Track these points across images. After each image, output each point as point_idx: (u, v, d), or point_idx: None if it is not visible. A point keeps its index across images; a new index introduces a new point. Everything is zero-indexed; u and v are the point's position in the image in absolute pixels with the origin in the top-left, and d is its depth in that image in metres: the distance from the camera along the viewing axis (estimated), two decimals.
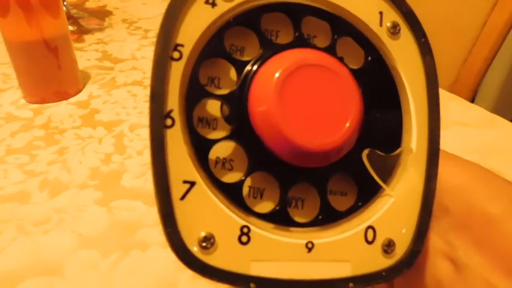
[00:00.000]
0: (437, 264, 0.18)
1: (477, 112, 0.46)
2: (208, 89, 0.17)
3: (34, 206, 0.33)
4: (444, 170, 0.18)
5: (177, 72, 0.16)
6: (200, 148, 0.16)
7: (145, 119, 0.44)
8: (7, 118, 0.45)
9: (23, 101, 0.49)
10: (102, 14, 0.80)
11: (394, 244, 0.18)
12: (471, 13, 0.58)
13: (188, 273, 0.28)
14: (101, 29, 0.72)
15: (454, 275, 0.17)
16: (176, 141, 0.16)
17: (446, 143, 0.20)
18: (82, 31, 0.71)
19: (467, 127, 0.43)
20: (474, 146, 0.40)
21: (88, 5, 0.85)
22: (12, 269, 0.28)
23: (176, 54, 0.16)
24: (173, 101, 0.16)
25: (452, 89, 0.64)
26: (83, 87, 0.52)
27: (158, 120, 0.15)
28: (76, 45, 0.65)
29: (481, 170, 0.18)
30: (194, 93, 0.16)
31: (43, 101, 0.48)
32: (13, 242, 0.30)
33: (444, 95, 0.50)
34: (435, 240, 0.18)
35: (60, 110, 0.47)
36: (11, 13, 0.43)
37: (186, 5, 0.16)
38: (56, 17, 0.46)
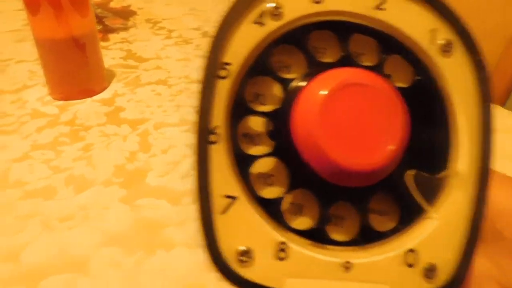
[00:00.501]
0: None
1: (508, 117, 0.44)
2: (252, 106, 0.17)
3: (59, 202, 0.33)
4: (499, 193, 0.17)
5: (223, 90, 0.16)
6: (242, 163, 0.17)
7: (170, 118, 0.44)
8: (33, 114, 0.46)
9: (49, 97, 0.49)
10: (126, 14, 0.81)
11: (436, 269, 0.17)
12: (501, 16, 0.57)
13: (213, 276, 0.27)
14: (125, 29, 0.72)
15: None
16: (220, 157, 0.16)
17: None
18: (107, 30, 0.71)
19: (500, 134, 0.41)
20: (503, 152, 0.38)
21: (112, 5, 0.86)
22: (36, 265, 0.27)
23: (223, 73, 0.16)
24: (219, 118, 0.16)
25: None
26: (108, 85, 0.52)
27: (203, 136, 0.16)
28: (101, 44, 0.65)
29: None
30: (239, 110, 0.17)
31: (68, 98, 0.48)
32: (38, 237, 0.30)
33: None
34: (486, 266, 0.17)
35: (85, 107, 0.47)
36: (41, 11, 0.44)
37: (235, 25, 0.16)
38: (85, 15, 0.46)
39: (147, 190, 0.34)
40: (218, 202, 0.16)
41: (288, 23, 0.17)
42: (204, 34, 0.68)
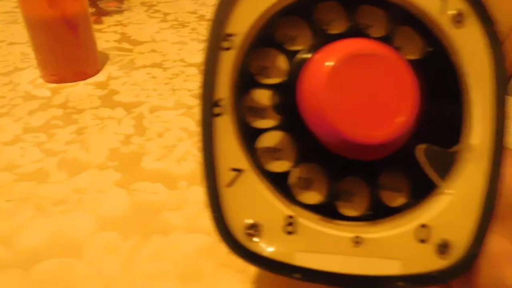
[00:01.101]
0: (504, 269, 0.17)
1: None
2: (258, 79, 0.17)
3: (52, 185, 0.32)
4: None
5: (227, 61, 0.16)
6: (248, 136, 0.16)
7: (166, 102, 0.43)
8: (25, 96, 0.45)
9: (41, 80, 0.48)
10: None
11: (449, 245, 0.17)
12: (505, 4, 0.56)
13: (213, 260, 0.26)
14: (119, 12, 0.71)
15: None
16: (225, 129, 0.16)
17: None
18: (101, 13, 0.69)
19: None
20: None
21: None
22: (30, 249, 0.27)
23: (226, 44, 0.16)
24: (223, 90, 0.16)
25: None
26: (102, 68, 0.51)
27: (208, 108, 0.16)
28: (95, 26, 0.63)
29: None
30: (244, 82, 0.16)
31: (61, 80, 0.47)
32: (32, 221, 0.29)
33: None
34: (502, 244, 0.17)
35: (78, 90, 0.46)
36: None
37: None
38: None
39: (143, 174, 0.33)
40: (224, 175, 0.16)
41: None
42: (201, 18, 0.66)
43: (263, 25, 0.17)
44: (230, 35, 0.16)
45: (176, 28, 0.63)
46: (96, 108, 0.42)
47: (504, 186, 0.17)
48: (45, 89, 0.46)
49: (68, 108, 0.42)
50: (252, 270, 0.25)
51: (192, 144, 0.37)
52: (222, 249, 0.26)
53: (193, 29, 0.62)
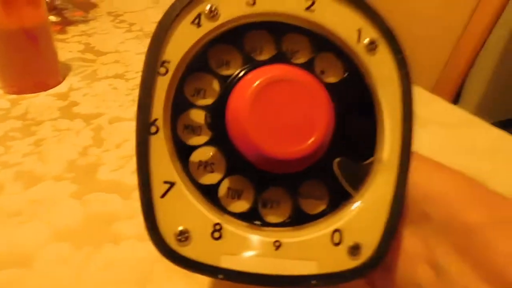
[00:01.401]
0: (417, 268, 0.18)
1: (456, 113, 0.47)
2: (193, 100, 0.19)
3: (7, 197, 0.33)
4: (427, 177, 0.19)
5: (162, 85, 0.18)
6: (182, 152, 0.18)
7: (125, 113, 0.44)
8: None
9: (0, 91, 0.48)
10: (87, 6, 0.79)
11: (360, 247, 0.18)
12: (453, 16, 0.59)
13: (161, 266, 0.27)
14: (85, 21, 0.71)
15: (434, 279, 0.18)
16: (159, 146, 0.18)
17: (422, 141, 0.20)
18: (65, 23, 0.69)
19: (444, 127, 0.43)
20: (450, 146, 0.40)
21: None
22: None
23: (162, 70, 0.17)
24: (158, 111, 0.18)
25: (434, 90, 0.64)
26: (63, 79, 0.51)
27: (144, 128, 0.17)
28: (59, 36, 0.64)
29: (464, 179, 0.18)
30: (179, 103, 0.18)
31: (21, 91, 0.47)
32: None
33: (426, 96, 0.51)
34: (415, 245, 0.19)
35: (38, 102, 0.46)
36: None
37: (173, 25, 0.18)
38: (36, 6, 0.45)
39: (98, 185, 0.34)
40: (157, 187, 0.17)
41: (224, 23, 0.18)
42: None
43: (197, 52, 0.18)
44: (166, 61, 0.17)
45: (141, 38, 0.64)
46: (55, 119, 0.43)
47: (417, 193, 0.19)
48: (4, 100, 0.46)
49: (27, 120, 0.43)
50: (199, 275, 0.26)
51: None
52: None
53: None
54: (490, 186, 0.18)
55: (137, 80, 0.51)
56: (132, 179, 0.35)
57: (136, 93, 0.50)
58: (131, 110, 0.44)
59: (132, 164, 0.36)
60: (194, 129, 0.19)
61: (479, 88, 0.61)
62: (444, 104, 0.49)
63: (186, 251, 0.17)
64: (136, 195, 0.33)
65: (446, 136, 0.42)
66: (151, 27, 0.68)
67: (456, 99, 0.66)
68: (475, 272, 0.16)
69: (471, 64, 0.59)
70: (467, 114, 0.46)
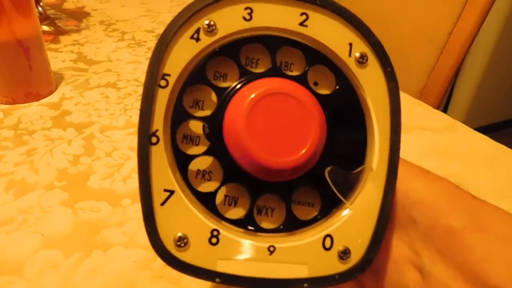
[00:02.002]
0: (404, 271, 0.19)
1: (439, 118, 0.48)
2: (191, 111, 0.19)
3: None
4: (414, 184, 0.19)
5: (163, 97, 0.18)
6: (181, 161, 0.19)
7: (116, 122, 0.45)
8: None
9: None
10: (80, 15, 0.80)
11: (349, 251, 0.19)
12: (438, 22, 0.60)
13: (147, 274, 0.28)
14: (78, 31, 0.72)
15: (420, 282, 0.18)
16: (159, 156, 0.18)
17: (407, 146, 0.21)
18: (58, 32, 0.70)
19: (428, 132, 0.44)
20: (433, 150, 0.41)
21: (66, 6, 0.85)
22: None
23: (163, 82, 0.18)
24: (158, 122, 0.18)
25: (421, 96, 0.66)
26: (56, 88, 0.52)
27: (145, 138, 0.18)
28: (51, 46, 0.64)
29: (448, 186, 0.19)
30: (179, 115, 0.19)
31: (13, 102, 0.48)
32: None
33: (411, 101, 0.52)
34: (403, 249, 0.19)
35: (30, 111, 0.47)
36: None
37: (173, 40, 0.18)
38: (28, 17, 0.46)
39: (89, 193, 0.35)
40: (158, 195, 0.18)
41: (222, 38, 0.19)
42: (157, 37, 0.68)
43: (196, 65, 0.19)
44: (166, 74, 0.18)
45: (133, 47, 0.65)
46: (48, 129, 0.44)
47: (404, 199, 0.19)
48: None
49: (19, 129, 0.43)
50: (184, 281, 0.27)
51: None
52: (158, 262, 0.28)
53: (149, 48, 0.64)
54: (471, 189, 0.19)
55: (128, 89, 0.52)
56: (122, 187, 0.35)
57: (126, 102, 0.51)
58: (122, 119, 0.45)
59: (121, 172, 0.37)
60: (192, 139, 0.19)
61: (467, 93, 0.63)
62: (427, 109, 0.50)
63: (185, 256, 0.18)
64: (125, 203, 0.34)
65: (430, 141, 0.43)
66: (143, 36, 0.69)
67: (445, 106, 0.68)
68: (458, 274, 0.17)
69: (458, 69, 0.60)
70: (450, 119, 0.47)
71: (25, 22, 0.46)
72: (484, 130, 0.44)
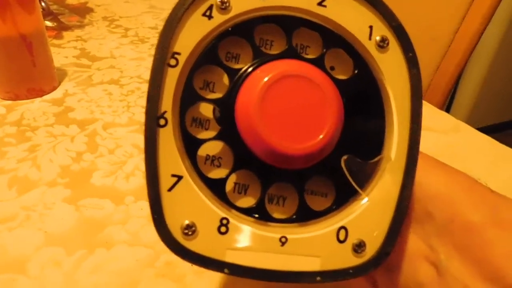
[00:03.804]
0: (419, 267, 0.19)
1: (443, 118, 0.47)
2: (202, 93, 0.18)
3: (1, 203, 0.33)
4: (430, 177, 0.19)
5: (172, 77, 0.17)
6: (190, 146, 0.18)
7: (119, 119, 0.45)
8: None
9: None
10: (83, 11, 0.79)
11: (364, 244, 0.18)
12: (443, 21, 0.60)
13: (151, 272, 0.28)
14: (81, 26, 0.72)
15: (435, 278, 0.18)
16: (167, 139, 0.17)
17: None
18: (61, 28, 0.70)
19: (432, 132, 0.44)
20: (438, 151, 0.41)
21: (69, 1, 0.84)
22: None
23: (172, 61, 0.17)
24: (167, 104, 0.17)
25: (425, 95, 0.65)
26: (59, 84, 0.52)
27: (152, 120, 0.17)
28: (54, 41, 0.64)
29: (466, 179, 0.18)
30: (188, 96, 0.18)
31: (16, 97, 0.48)
32: None
33: None
34: (418, 244, 0.19)
35: (33, 107, 0.47)
36: None
37: (184, 17, 0.17)
38: (31, 12, 0.46)
39: (92, 190, 0.35)
40: (165, 180, 0.17)
41: (235, 16, 0.18)
42: None
43: (208, 44, 0.18)
44: (176, 53, 0.17)
45: (136, 43, 0.64)
46: (51, 125, 0.43)
47: (421, 192, 0.19)
48: (0, 106, 0.47)
49: (22, 126, 0.43)
50: (187, 280, 0.27)
51: (141, 160, 0.38)
52: (161, 261, 0.28)
53: (152, 44, 0.64)
54: None
55: (131, 86, 0.52)
56: (125, 184, 0.35)
57: (129, 99, 0.51)
58: (125, 116, 0.45)
59: (124, 170, 0.37)
60: (202, 123, 0.19)
61: (470, 93, 0.62)
62: (432, 109, 0.50)
63: (192, 245, 0.17)
64: (128, 200, 0.34)
65: (434, 142, 0.43)
66: (146, 33, 0.69)
67: (448, 105, 0.67)
68: (475, 271, 0.16)
69: (460, 70, 0.60)
70: (455, 120, 0.47)
71: (29, 17, 0.46)
72: (486, 130, 0.44)
